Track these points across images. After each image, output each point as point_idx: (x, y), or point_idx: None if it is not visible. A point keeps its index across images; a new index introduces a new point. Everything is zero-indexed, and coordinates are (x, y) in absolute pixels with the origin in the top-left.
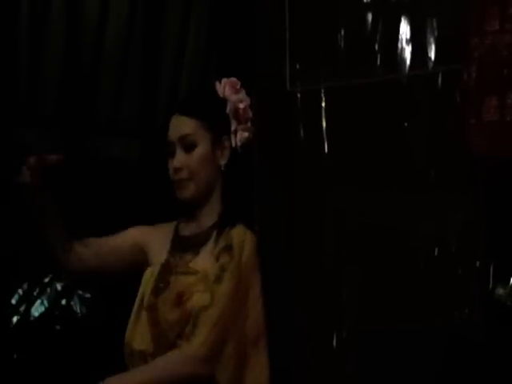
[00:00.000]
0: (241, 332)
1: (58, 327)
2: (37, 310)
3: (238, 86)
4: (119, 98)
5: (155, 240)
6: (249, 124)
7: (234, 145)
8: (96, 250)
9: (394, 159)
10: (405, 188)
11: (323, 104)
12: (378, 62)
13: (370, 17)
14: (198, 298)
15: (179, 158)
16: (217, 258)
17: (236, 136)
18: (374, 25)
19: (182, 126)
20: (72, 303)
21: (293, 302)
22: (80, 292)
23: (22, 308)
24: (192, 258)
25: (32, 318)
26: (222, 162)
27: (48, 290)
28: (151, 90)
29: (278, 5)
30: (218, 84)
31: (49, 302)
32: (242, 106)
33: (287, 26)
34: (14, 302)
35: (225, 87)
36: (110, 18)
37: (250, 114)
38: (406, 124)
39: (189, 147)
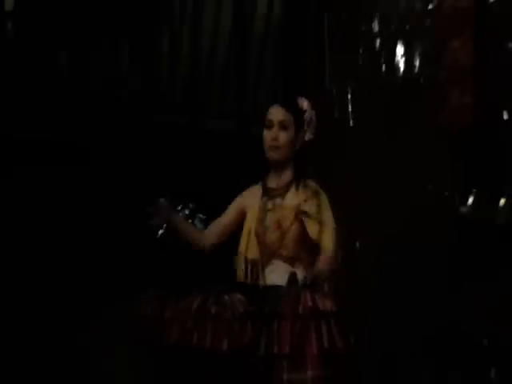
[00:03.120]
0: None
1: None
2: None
3: (311, 105)
4: (222, 91)
5: (249, 197)
6: (314, 130)
7: (305, 139)
8: (218, 231)
9: (394, 133)
10: (406, 150)
11: (349, 96)
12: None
13: (377, 43)
14: (301, 224)
15: (277, 132)
16: (305, 199)
17: (306, 134)
18: (380, 51)
19: (281, 114)
20: (195, 222)
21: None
22: (200, 215)
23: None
24: (281, 199)
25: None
26: (297, 145)
27: (180, 214)
28: (242, 88)
29: (321, 39)
30: (299, 99)
31: None
32: (313, 117)
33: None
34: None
35: (304, 103)
36: (218, 41)
37: (315, 124)
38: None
39: (283, 128)
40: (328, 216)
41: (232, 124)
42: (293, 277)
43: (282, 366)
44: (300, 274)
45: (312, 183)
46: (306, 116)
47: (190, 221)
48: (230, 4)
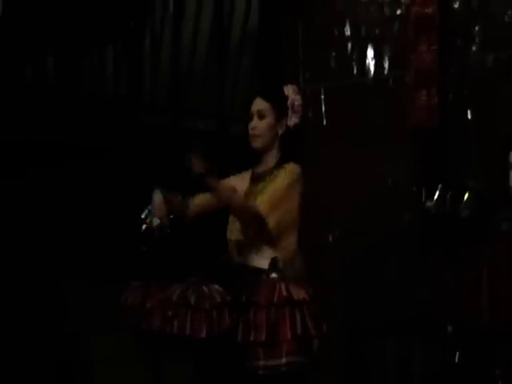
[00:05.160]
0: (283, 215)
1: (168, 230)
2: (156, 221)
3: (297, 91)
4: (202, 93)
5: (237, 181)
6: (299, 114)
7: (288, 124)
8: (200, 204)
9: (365, 131)
10: (377, 148)
11: (322, 96)
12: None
13: (349, 46)
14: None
15: (255, 122)
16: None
17: (290, 119)
18: (351, 54)
19: (259, 104)
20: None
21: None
22: None
23: (148, 220)
24: (263, 184)
25: (153, 226)
26: (280, 131)
27: None
28: (220, 89)
29: (295, 42)
30: (285, 86)
31: None
32: (297, 102)
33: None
34: (143, 216)
35: (289, 89)
36: (197, 44)
37: (301, 109)
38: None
39: (261, 117)
40: (277, 184)
41: (211, 123)
42: (274, 262)
43: (258, 353)
44: (281, 257)
45: (290, 164)
46: (289, 102)
47: (171, 216)
48: (210, 8)
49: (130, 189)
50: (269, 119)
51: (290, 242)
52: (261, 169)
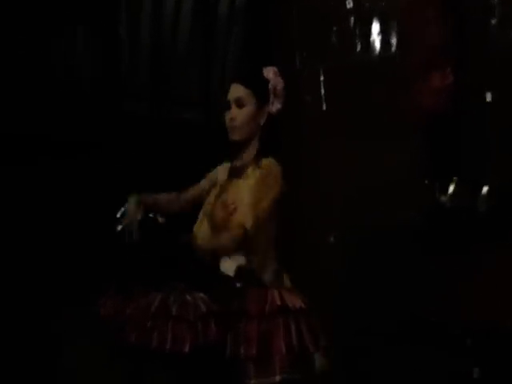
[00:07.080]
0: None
1: (135, 238)
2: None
3: (278, 73)
4: (187, 78)
5: (221, 173)
6: (282, 99)
7: (270, 111)
8: (192, 194)
9: (370, 118)
10: (383, 136)
11: (321, 78)
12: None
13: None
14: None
15: (234, 112)
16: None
17: (273, 105)
18: (354, 29)
19: (238, 91)
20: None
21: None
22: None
23: (124, 220)
24: (237, 180)
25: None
26: (261, 121)
27: None
28: (207, 73)
29: (289, 16)
30: (264, 69)
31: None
32: (279, 86)
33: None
34: (118, 215)
35: (269, 72)
36: (180, 23)
37: (283, 93)
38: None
39: (240, 105)
40: (252, 193)
41: (197, 112)
42: (239, 270)
43: (249, 370)
44: (244, 262)
45: (267, 161)
46: (271, 86)
47: (151, 215)
48: None
49: (105, 188)
50: (249, 108)
51: (262, 248)
52: (239, 162)
